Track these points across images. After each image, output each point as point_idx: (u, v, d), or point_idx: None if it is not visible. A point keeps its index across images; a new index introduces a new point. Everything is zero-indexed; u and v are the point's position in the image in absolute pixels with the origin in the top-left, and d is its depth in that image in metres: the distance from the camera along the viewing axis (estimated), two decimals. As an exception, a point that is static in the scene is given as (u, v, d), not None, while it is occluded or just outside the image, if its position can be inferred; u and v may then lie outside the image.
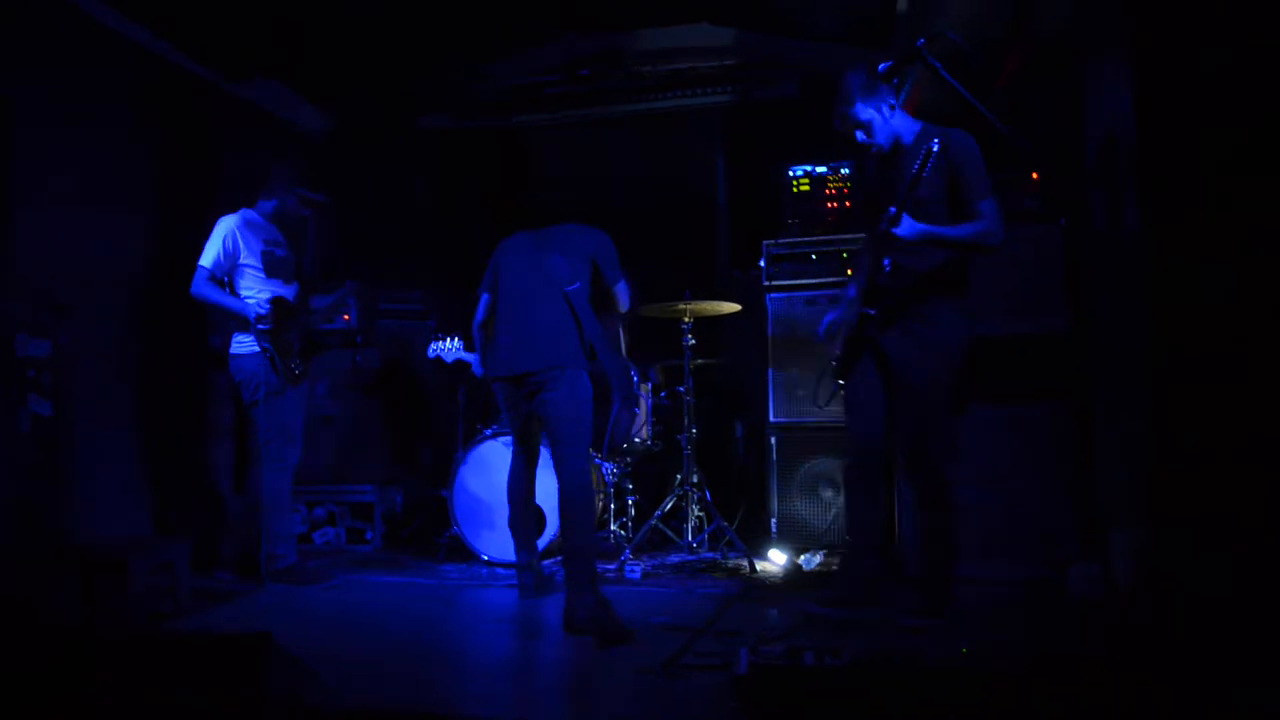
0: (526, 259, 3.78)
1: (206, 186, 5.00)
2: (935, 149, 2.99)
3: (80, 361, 4.29)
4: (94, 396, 4.40)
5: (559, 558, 4.12)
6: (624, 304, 3.89)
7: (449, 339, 4.82)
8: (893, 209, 3.10)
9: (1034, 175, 4.11)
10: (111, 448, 4.53)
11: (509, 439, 4.68)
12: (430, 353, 4.85)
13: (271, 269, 4.27)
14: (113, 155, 4.60)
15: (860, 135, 3.30)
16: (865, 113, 3.25)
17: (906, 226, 3.12)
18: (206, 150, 5.10)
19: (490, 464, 4.69)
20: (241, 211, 4.29)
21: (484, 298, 3.95)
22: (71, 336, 4.25)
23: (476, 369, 4.34)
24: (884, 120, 3.27)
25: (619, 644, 3.11)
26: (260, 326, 4.13)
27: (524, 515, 3.91)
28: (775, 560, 4.48)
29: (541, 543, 4.54)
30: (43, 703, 2.29)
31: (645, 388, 4.97)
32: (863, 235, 3.63)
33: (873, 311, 3.25)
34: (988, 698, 1.68)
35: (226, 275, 4.20)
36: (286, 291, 4.30)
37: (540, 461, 3.99)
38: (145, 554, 3.81)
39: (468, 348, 4.75)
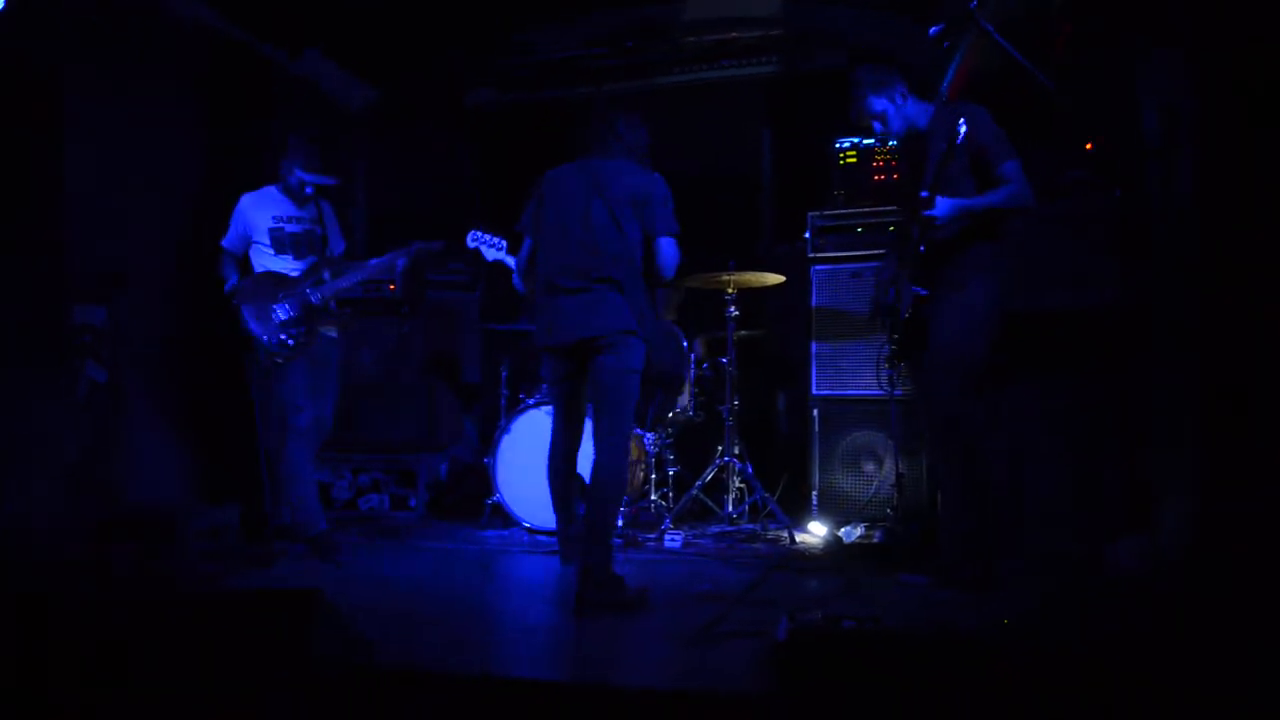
0: (572, 206, 3.34)
1: (255, 161, 5.06)
2: (964, 128, 3.07)
3: (134, 329, 4.38)
4: (147, 364, 4.50)
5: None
6: (666, 261, 3.34)
7: (493, 235, 4.57)
8: (924, 193, 3.15)
9: (1088, 145, 4.02)
10: (164, 414, 4.64)
11: (551, 408, 4.73)
12: (470, 241, 4.62)
13: (280, 245, 4.17)
14: (164, 127, 4.68)
15: (877, 126, 3.43)
16: (879, 104, 3.40)
17: (941, 206, 3.21)
18: (256, 125, 5.15)
19: (533, 433, 4.71)
20: (263, 189, 4.24)
21: (526, 241, 3.58)
22: (126, 305, 4.34)
23: (516, 280, 3.83)
24: (897, 109, 3.41)
25: (633, 613, 3.11)
26: (233, 302, 4.09)
27: (565, 485, 3.69)
28: (815, 532, 4.46)
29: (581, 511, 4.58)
30: (95, 658, 2.36)
31: (689, 358, 4.91)
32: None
33: (924, 292, 3.29)
34: (1032, 669, 1.67)
35: (243, 253, 4.21)
36: (297, 266, 4.16)
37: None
38: (196, 518, 3.92)
39: (511, 251, 4.48)
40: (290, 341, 4.07)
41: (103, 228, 4.26)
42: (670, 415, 4.88)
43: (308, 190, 4.22)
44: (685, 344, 4.82)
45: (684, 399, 4.89)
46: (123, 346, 4.31)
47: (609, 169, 3.37)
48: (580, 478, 3.82)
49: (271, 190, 4.23)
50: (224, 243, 4.21)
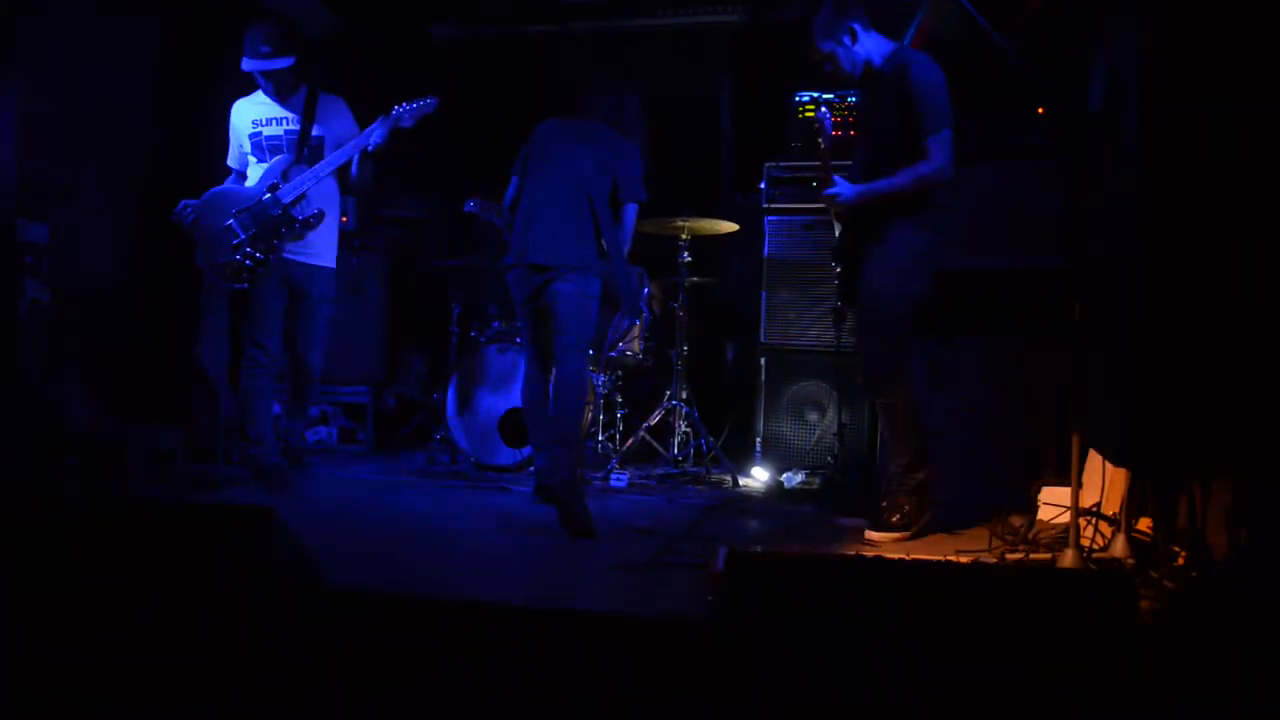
0: (556, 150, 3.68)
1: (209, 80, 4.94)
2: (825, 118, 3.41)
3: (80, 247, 4.30)
4: (95, 283, 4.42)
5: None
6: (628, 226, 3.70)
7: (493, 203, 4.65)
8: (837, 180, 3.34)
9: (1039, 110, 4.11)
10: (112, 336, 4.57)
11: (502, 345, 4.77)
12: (468, 206, 4.74)
13: (259, 152, 3.90)
14: (116, 46, 4.55)
15: (828, 67, 3.43)
16: (826, 46, 3.38)
17: (845, 190, 3.29)
18: (211, 42, 5.01)
19: (483, 370, 4.77)
20: (254, 92, 3.95)
21: (514, 180, 3.81)
22: (71, 223, 4.25)
23: (507, 235, 4.01)
24: (846, 50, 3.37)
25: (583, 538, 3.25)
26: (184, 225, 3.80)
27: (541, 420, 3.79)
28: (758, 477, 4.59)
29: (529, 449, 4.64)
30: (47, 571, 2.37)
31: (652, 300, 5.00)
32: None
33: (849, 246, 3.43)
34: (966, 590, 1.78)
35: (245, 166, 4.00)
36: (273, 169, 3.83)
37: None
38: (143, 440, 3.89)
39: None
40: (247, 262, 3.73)
41: (49, 144, 4.15)
42: (617, 356, 4.92)
43: (263, 82, 3.79)
44: (646, 288, 4.89)
45: (634, 338, 4.96)
46: (69, 264, 4.23)
47: (600, 131, 3.72)
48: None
49: (256, 93, 3.93)
50: (227, 160, 4.00)
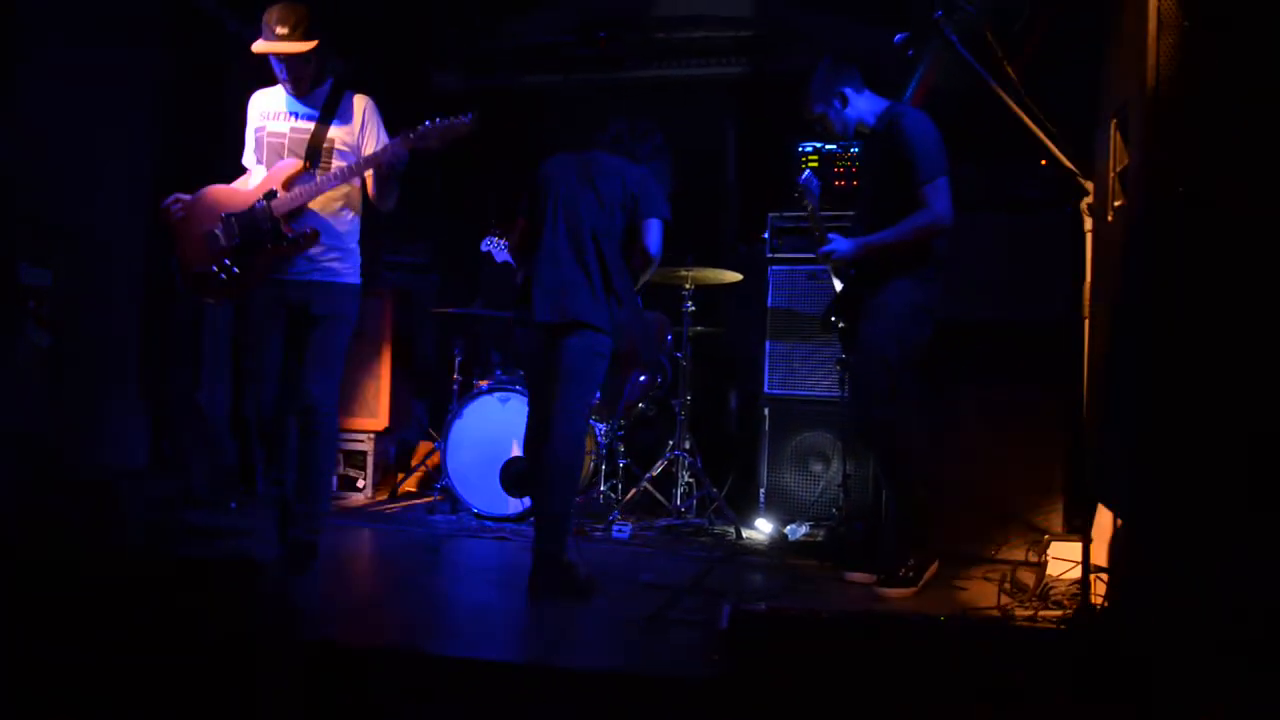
0: (563, 194, 3.39)
1: (215, 125, 4.97)
2: (811, 182, 3.51)
3: (82, 290, 4.29)
4: (95, 326, 4.40)
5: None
6: (651, 244, 3.35)
7: (504, 241, 4.66)
8: (832, 236, 3.38)
9: (1043, 162, 4.12)
10: (112, 379, 4.54)
11: (505, 395, 4.74)
12: (484, 245, 4.71)
13: (260, 149, 3.37)
14: (121, 89, 4.57)
15: (819, 128, 3.54)
16: (817, 108, 3.49)
17: (841, 245, 3.32)
18: (216, 88, 5.06)
19: (484, 419, 4.72)
20: (272, 87, 3.43)
21: (519, 222, 3.58)
22: (74, 265, 4.24)
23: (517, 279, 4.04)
24: (837, 113, 3.48)
25: (580, 600, 3.13)
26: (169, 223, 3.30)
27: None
28: (761, 529, 4.52)
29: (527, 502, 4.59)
30: (36, 621, 2.33)
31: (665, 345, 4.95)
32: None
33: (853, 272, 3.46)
34: (968, 651, 1.72)
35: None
36: (275, 174, 3.28)
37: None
38: (140, 486, 3.85)
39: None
40: (221, 275, 3.20)
41: (51, 184, 4.15)
42: (641, 401, 4.86)
43: (278, 67, 3.25)
44: (669, 335, 4.84)
45: (654, 388, 4.92)
46: (70, 308, 4.21)
47: (607, 163, 3.45)
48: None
49: (279, 86, 3.37)
50: (244, 159, 3.48)
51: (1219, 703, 1.87)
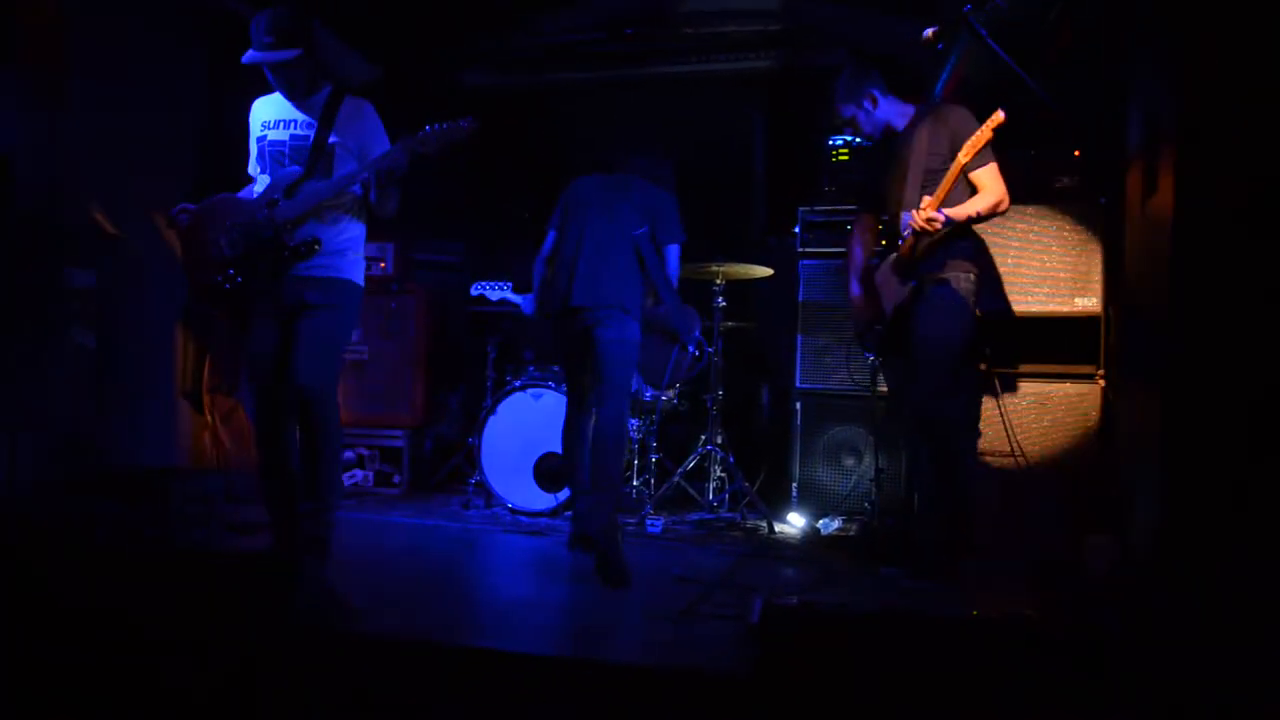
0: (596, 201, 3.75)
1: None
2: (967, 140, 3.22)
3: (126, 292, 4.38)
4: (138, 327, 4.50)
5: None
6: (672, 267, 3.70)
7: (495, 281, 4.86)
8: (907, 215, 3.33)
9: (1075, 153, 4.09)
10: (154, 379, 4.64)
11: (538, 391, 4.79)
12: (474, 290, 4.87)
13: (263, 159, 3.34)
14: (163, 94, 4.66)
15: (849, 130, 3.67)
16: (847, 111, 3.56)
17: (941, 214, 3.29)
18: (254, 90, 5.12)
19: (517, 414, 4.78)
20: (272, 93, 3.40)
21: (550, 234, 3.87)
22: (118, 268, 4.33)
23: (526, 308, 4.27)
24: (867, 114, 3.54)
25: (618, 587, 3.23)
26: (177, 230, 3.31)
27: (579, 464, 3.81)
28: (794, 523, 4.53)
29: (564, 494, 4.64)
30: (83, 620, 2.39)
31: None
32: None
33: (914, 283, 3.36)
34: (1001, 650, 1.73)
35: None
36: (278, 182, 3.24)
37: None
38: (183, 483, 3.93)
39: (516, 289, 4.77)
40: (226, 285, 3.19)
41: (97, 187, 4.25)
42: (684, 375, 4.89)
43: (271, 77, 3.23)
44: (698, 326, 4.88)
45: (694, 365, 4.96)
46: (114, 310, 4.31)
47: (636, 183, 3.80)
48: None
49: (272, 93, 3.38)
50: (249, 168, 3.46)
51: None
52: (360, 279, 3.37)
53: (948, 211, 3.25)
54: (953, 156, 3.23)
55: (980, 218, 3.32)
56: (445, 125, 3.14)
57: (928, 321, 3.37)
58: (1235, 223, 2.79)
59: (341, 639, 2.47)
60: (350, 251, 3.34)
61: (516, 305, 4.69)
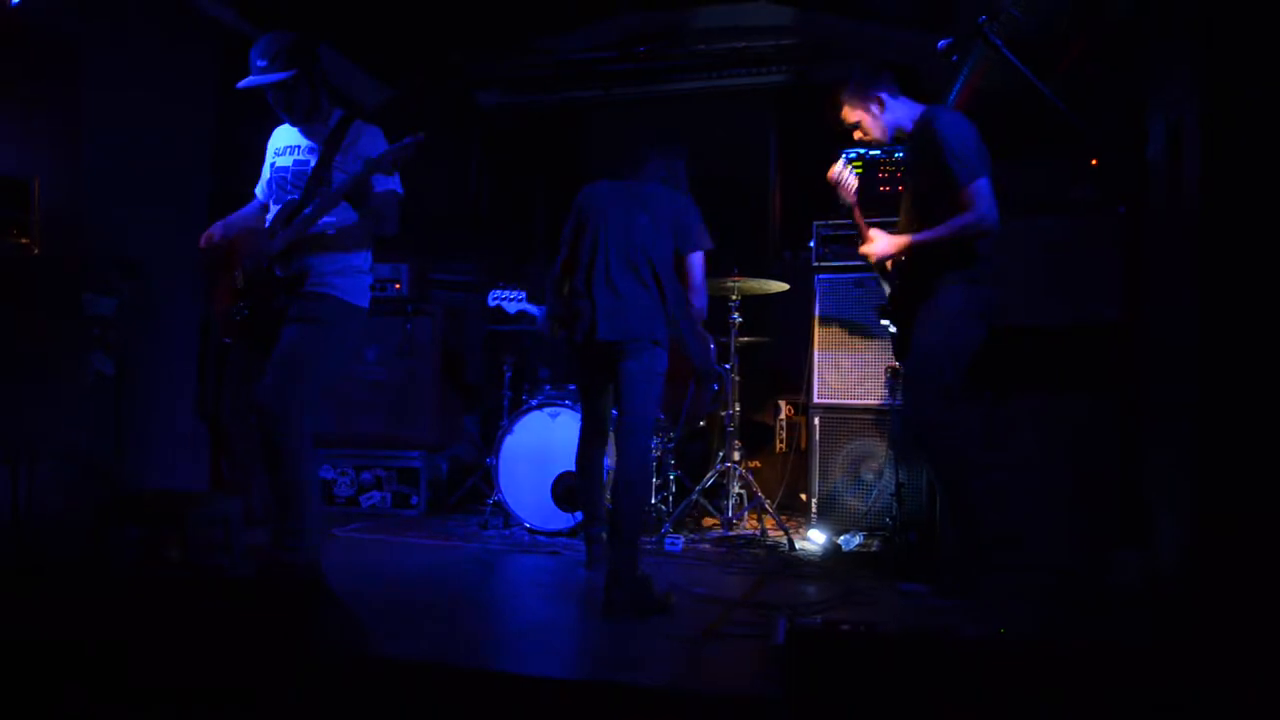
0: (614, 214, 3.50)
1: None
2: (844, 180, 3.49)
3: (145, 318, 4.40)
4: (158, 353, 4.52)
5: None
6: (696, 274, 3.56)
7: (512, 290, 4.84)
8: (873, 232, 3.37)
9: (1093, 161, 4.05)
10: (172, 404, 4.66)
11: (554, 410, 4.77)
12: (491, 300, 4.86)
13: (270, 187, 3.38)
14: (176, 119, 4.69)
15: (858, 134, 3.56)
16: (854, 114, 3.52)
17: (880, 243, 3.29)
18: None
19: (535, 434, 4.76)
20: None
21: (563, 250, 3.64)
22: (137, 295, 4.35)
23: (541, 324, 4.15)
24: (875, 117, 3.49)
25: (657, 615, 3.15)
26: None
27: (592, 485, 3.82)
28: (814, 540, 4.49)
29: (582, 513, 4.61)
30: (102, 646, 2.39)
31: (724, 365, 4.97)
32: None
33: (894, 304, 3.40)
34: (1029, 672, 1.70)
35: (267, 199, 3.46)
36: (282, 212, 3.26)
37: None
38: (201, 508, 3.93)
39: (531, 299, 4.78)
40: (236, 317, 3.25)
41: (115, 214, 4.28)
42: (700, 416, 4.87)
43: (271, 101, 3.23)
44: (711, 345, 4.87)
45: (717, 402, 4.93)
46: (134, 335, 4.33)
47: (652, 190, 3.58)
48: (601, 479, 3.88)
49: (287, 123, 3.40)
50: (256, 188, 3.51)
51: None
52: (357, 300, 3.30)
53: (914, 238, 3.27)
54: (939, 176, 3.20)
55: (944, 241, 3.24)
56: (397, 144, 3.07)
57: (919, 333, 3.35)
58: (1263, 230, 2.75)
59: (360, 661, 2.45)
60: (348, 272, 3.28)
61: (534, 317, 4.68)
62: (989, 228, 3.21)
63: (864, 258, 3.48)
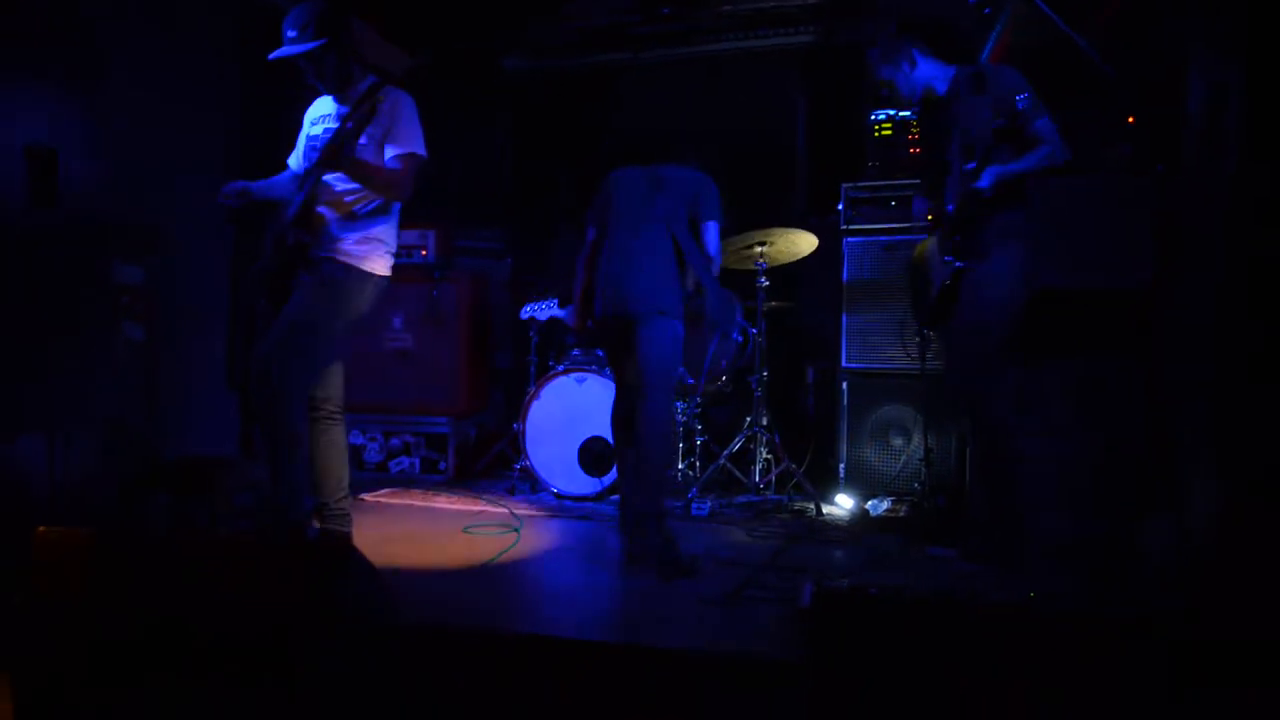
0: (637, 196, 3.69)
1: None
2: (1021, 103, 3.15)
3: (174, 285, 4.44)
4: (185, 321, 4.55)
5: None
6: (711, 244, 3.65)
7: (543, 301, 4.90)
8: (971, 164, 3.13)
9: (1129, 119, 3.95)
10: (203, 371, 4.70)
11: (581, 375, 4.77)
12: (524, 314, 4.95)
13: (303, 155, 3.46)
14: (201, 89, 4.69)
15: (885, 92, 3.54)
16: (885, 73, 3.48)
17: (985, 177, 3.18)
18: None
19: (561, 400, 4.76)
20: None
21: (590, 231, 3.83)
22: (164, 262, 4.39)
23: (569, 322, 4.26)
24: (905, 77, 3.45)
25: (682, 578, 3.16)
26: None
27: (627, 448, 3.79)
28: (842, 505, 4.47)
29: (609, 478, 4.63)
30: (136, 608, 2.42)
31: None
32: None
33: (962, 265, 3.27)
34: (1059, 638, 1.67)
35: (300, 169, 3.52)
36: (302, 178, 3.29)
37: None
38: (231, 473, 3.98)
39: (562, 304, 4.81)
40: (264, 283, 3.31)
41: (142, 182, 4.29)
42: (728, 367, 4.83)
43: (308, 78, 3.27)
44: (739, 308, 4.83)
45: (741, 358, 4.92)
46: (162, 302, 4.36)
47: (674, 172, 3.74)
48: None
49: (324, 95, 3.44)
50: (290, 159, 3.58)
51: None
52: (371, 268, 3.28)
53: (995, 172, 3.15)
54: (996, 121, 3.14)
55: (1029, 174, 3.21)
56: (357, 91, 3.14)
57: (972, 299, 3.29)
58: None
59: (388, 625, 2.47)
60: (366, 241, 3.28)
61: (565, 321, 4.75)
62: (1063, 158, 3.22)
63: (969, 196, 3.33)
